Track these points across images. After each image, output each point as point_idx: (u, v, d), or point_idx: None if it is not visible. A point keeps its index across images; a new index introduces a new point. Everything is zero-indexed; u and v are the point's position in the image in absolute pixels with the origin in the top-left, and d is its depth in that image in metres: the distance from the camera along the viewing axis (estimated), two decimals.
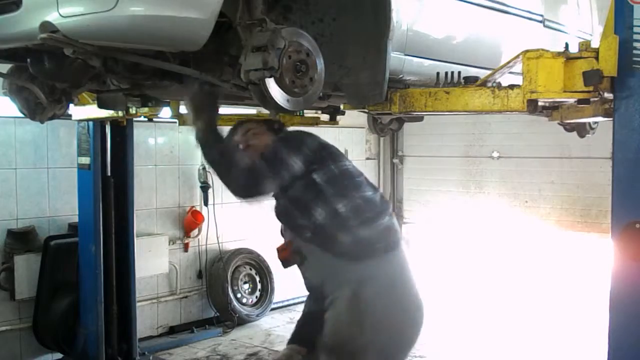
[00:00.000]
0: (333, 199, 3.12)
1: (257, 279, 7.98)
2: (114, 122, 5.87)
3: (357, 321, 3.04)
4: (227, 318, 7.54)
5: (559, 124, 5.39)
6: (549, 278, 8.10)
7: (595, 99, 3.22)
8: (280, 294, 8.18)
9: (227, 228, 7.80)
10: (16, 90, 4.13)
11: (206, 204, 7.48)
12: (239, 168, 3.03)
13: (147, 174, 7.01)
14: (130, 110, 5.00)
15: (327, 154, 3.24)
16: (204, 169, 7.42)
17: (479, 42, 4.18)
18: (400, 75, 3.70)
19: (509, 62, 3.42)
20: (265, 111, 4.23)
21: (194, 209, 7.48)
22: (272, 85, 2.82)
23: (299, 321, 3.57)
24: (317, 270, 3.31)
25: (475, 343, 6.98)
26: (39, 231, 6.15)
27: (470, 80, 3.56)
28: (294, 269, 3.44)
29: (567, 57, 3.05)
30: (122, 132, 6.07)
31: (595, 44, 3.03)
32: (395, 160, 9.87)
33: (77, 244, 6.03)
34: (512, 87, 3.26)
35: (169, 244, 7.21)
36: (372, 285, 3.07)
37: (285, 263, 3.49)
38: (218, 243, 7.61)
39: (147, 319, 7.06)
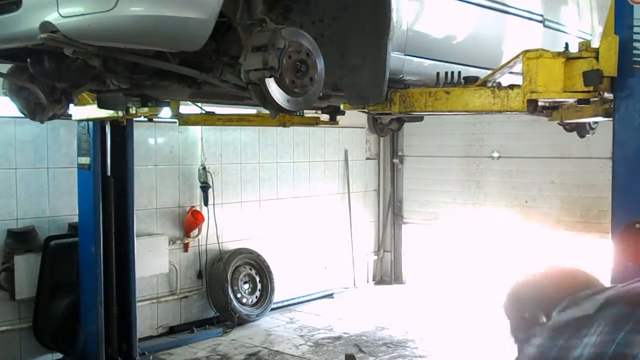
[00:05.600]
0: None
1: (257, 279, 7.98)
2: (114, 122, 5.87)
3: None
4: (227, 318, 7.54)
5: (559, 124, 5.40)
6: None
7: (595, 99, 3.22)
8: (280, 294, 8.18)
9: (227, 228, 7.80)
10: (16, 90, 4.13)
11: (206, 204, 7.48)
12: None
13: (147, 174, 7.01)
14: (130, 110, 5.00)
15: None
16: (203, 169, 7.43)
17: (479, 42, 4.18)
18: (400, 75, 3.70)
19: (509, 62, 3.43)
20: (265, 111, 4.23)
21: (194, 209, 7.48)
22: (272, 85, 2.82)
23: None
24: None
25: (475, 342, 6.97)
26: (39, 231, 6.15)
27: (470, 80, 3.57)
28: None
29: (567, 57, 3.05)
30: (122, 132, 6.07)
31: (595, 44, 3.03)
32: (395, 160, 9.86)
33: (77, 244, 6.03)
34: (512, 87, 3.26)
35: (169, 244, 7.21)
36: None
37: None
38: (218, 243, 7.61)
39: (147, 319, 7.06)
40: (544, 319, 1.58)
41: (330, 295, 8.99)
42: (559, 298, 1.54)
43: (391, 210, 9.94)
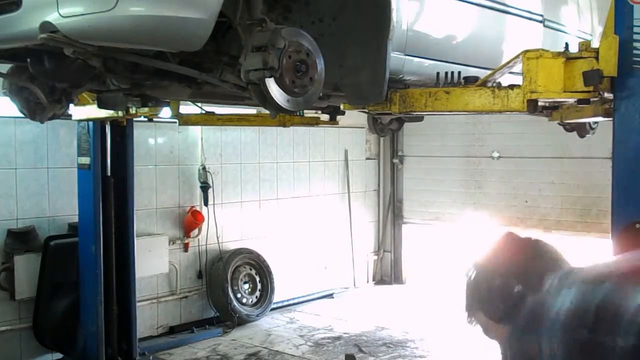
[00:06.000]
0: None
1: (257, 279, 7.98)
2: (114, 122, 5.87)
3: None
4: (227, 318, 7.54)
5: (559, 124, 5.39)
6: None
7: (595, 99, 3.22)
8: (280, 294, 8.18)
9: (227, 228, 7.80)
10: (16, 90, 4.13)
11: (206, 204, 7.48)
12: None
13: (147, 174, 7.01)
14: (130, 110, 5.00)
15: None
16: (203, 169, 7.43)
17: (479, 42, 4.18)
18: (400, 75, 3.70)
19: (509, 62, 3.43)
20: (265, 111, 4.23)
21: (194, 209, 7.48)
22: (272, 85, 2.82)
23: None
24: None
25: (475, 342, 6.97)
26: (39, 231, 6.15)
27: (470, 80, 3.57)
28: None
29: (567, 57, 3.05)
30: (122, 132, 6.07)
31: (595, 44, 3.03)
32: (395, 160, 9.86)
33: (77, 244, 6.03)
34: (512, 87, 3.26)
35: (169, 244, 7.21)
36: None
37: None
38: (218, 243, 7.61)
39: (147, 319, 7.06)
40: (520, 288, 1.61)
41: (330, 295, 8.99)
42: (537, 268, 1.59)
43: (391, 210, 9.94)
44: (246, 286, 7.89)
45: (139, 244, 6.40)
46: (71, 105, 4.72)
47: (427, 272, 9.68)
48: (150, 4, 2.60)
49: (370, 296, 9.20)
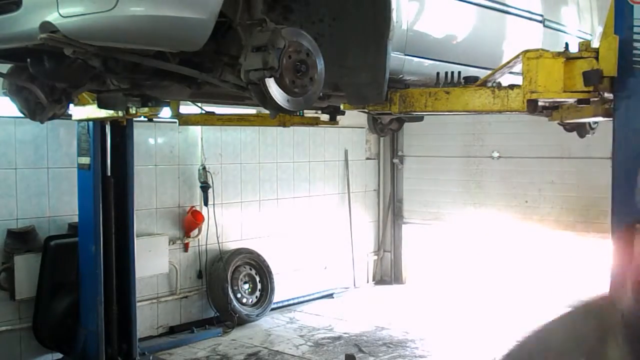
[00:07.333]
0: None
1: (257, 279, 7.98)
2: (114, 122, 5.87)
3: None
4: (227, 318, 7.54)
5: (559, 124, 5.40)
6: (549, 278, 8.10)
7: (595, 99, 3.22)
8: (280, 294, 8.18)
9: (227, 228, 7.80)
10: (16, 90, 4.13)
11: (206, 204, 7.48)
12: None
13: (147, 174, 7.01)
14: (130, 110, 5.00)
15: None
16: (203, 169, 7.43)
17: (479, 42, 4.18)
18: (400, 75, 3.70)
19: (509, 62, 3.43)
20: (265, 111, 4.23)
21: (194, 209, 7.48)
22: (272, 85, 2.82)
23: None
24: None
25: (475, 342, 6.98)
26: (39, 231, 6.15)
27: (470, 80, 3.57)
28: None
29: (567, 57, 3.06)
30: (122, 132, 6.07)
31: (595, 44, 3.03)
32: (395, 160, 9.86)
33: (77, 244, 6.03)
34: (512, 87, 3.26)
35: (169, 244, 7.21)
36: None
37: None
38: (218, 243, 7.61)
39: (147, 319, 7.06)
40: None
41: (330, 295, 8.99)
42: None
43: (391, 210, 9.94)
44: (246, 286, 7.89)
45: (139, 244, 6.40)
46: (71, 105, 4.72)
47: (427, 272, 9.69)
48: (150, 4, 2.60)
49: (370, 296, 9.21)
